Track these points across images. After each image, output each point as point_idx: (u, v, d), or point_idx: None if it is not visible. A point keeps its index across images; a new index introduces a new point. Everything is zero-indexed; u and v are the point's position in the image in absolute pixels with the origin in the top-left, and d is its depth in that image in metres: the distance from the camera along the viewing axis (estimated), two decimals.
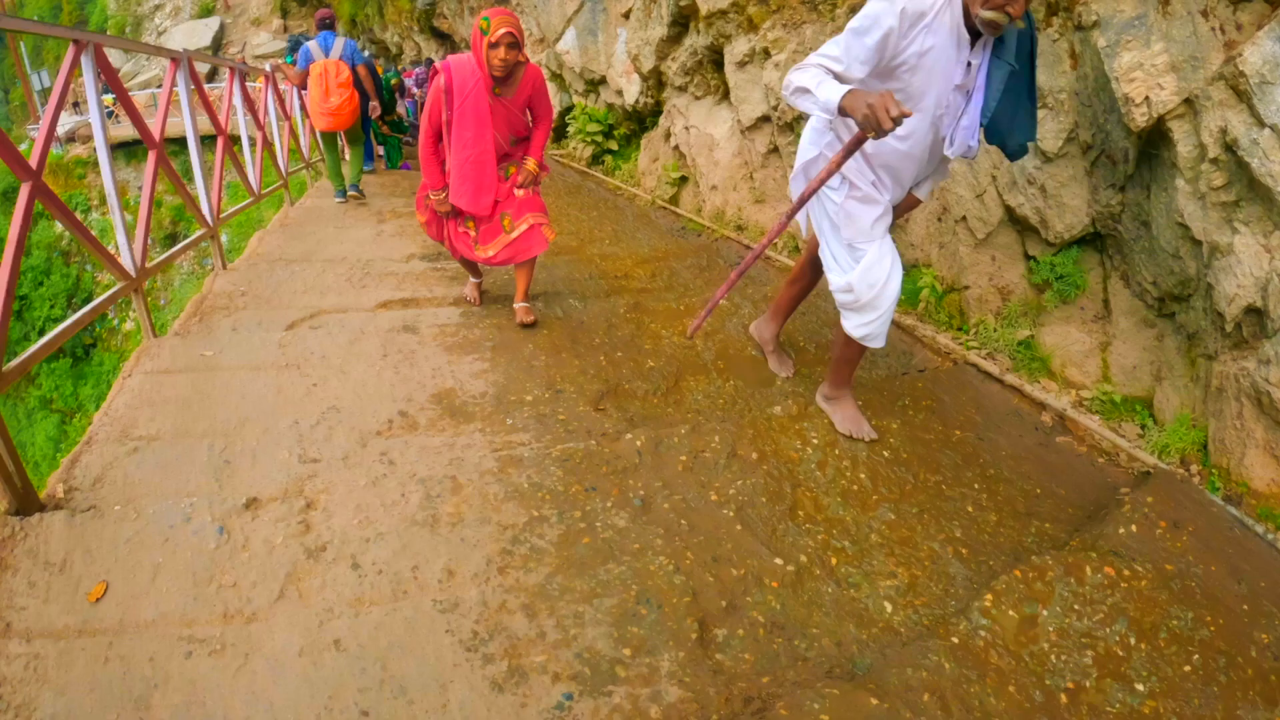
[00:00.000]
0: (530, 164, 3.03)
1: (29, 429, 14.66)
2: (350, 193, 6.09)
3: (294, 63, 6.11)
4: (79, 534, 1.71)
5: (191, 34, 21.44)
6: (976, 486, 2.19)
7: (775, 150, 4.31)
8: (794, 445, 2.21)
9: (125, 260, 2.84)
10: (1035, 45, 1.92)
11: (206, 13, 22.85)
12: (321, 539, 1.73)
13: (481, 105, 2.82)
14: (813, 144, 2.16)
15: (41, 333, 15.24)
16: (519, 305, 3.16)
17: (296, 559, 1.68)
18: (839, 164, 1.82)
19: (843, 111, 1.70)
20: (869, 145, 1.94)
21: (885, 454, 2.24)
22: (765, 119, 4.30)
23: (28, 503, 1.79)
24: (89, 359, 15.27)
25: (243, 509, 1.78)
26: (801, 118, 3.86)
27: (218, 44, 21.50)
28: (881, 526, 1.99)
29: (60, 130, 18.62)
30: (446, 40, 11.93)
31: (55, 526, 1.73)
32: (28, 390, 15.09)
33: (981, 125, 1.93)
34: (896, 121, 1.59)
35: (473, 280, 3.42)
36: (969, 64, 1.88)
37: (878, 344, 2.17)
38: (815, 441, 2.23)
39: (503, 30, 2.68)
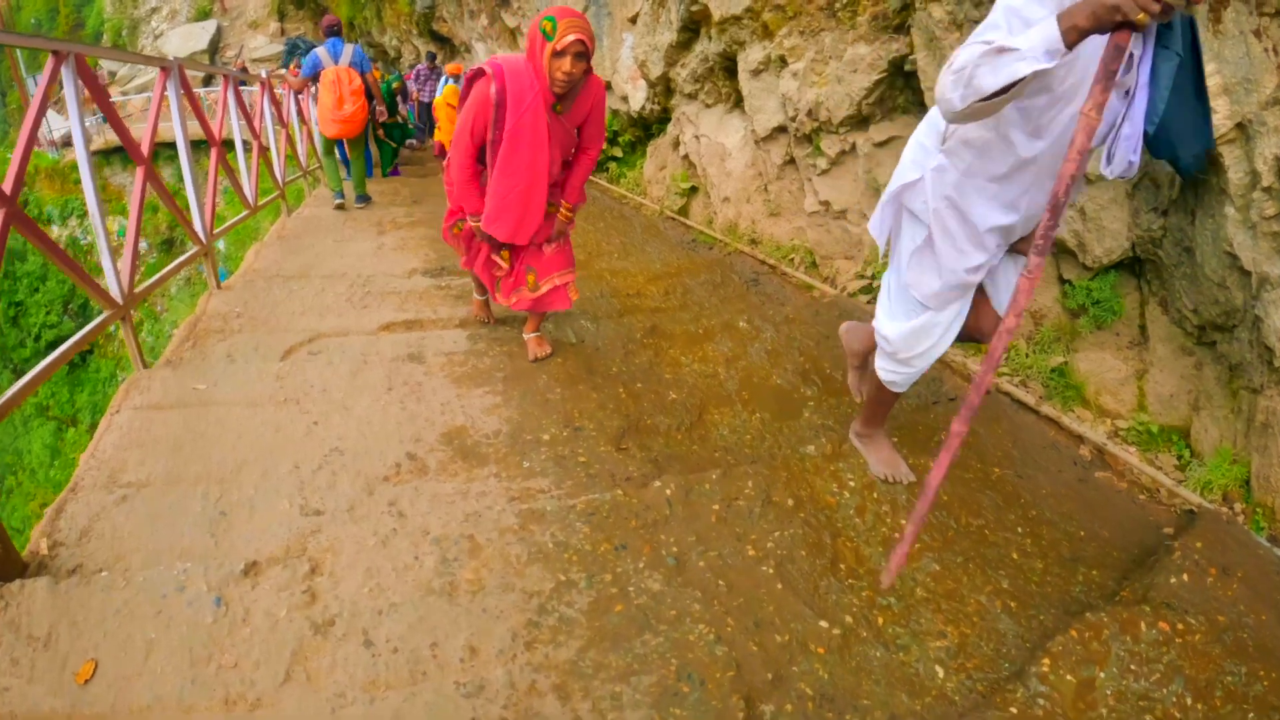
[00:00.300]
0: (564, 211, 2.68)
1: (25, 437, 14.49)
2: (358, 205, 6.08)
3: (293, 66, 6.03)
4: (64, 604, 1.57)
5: (188, 37, 21.24)
6: (1020, 530, 2.08)
7: (791, 162, 4.18)
8: (830, 489, 2.08)
9: (111, 285, 2.67)
10: (1197, 31, 1.52)
11: (203, 16, 22.64)
12: (329, 611, 1.59)
13: (539, 125, 2.36)
14: (915, 165, 1.79)
15: (38, 339, 15.14)
16: (530, 336, 2.97)
17: (303, 634, 1.53)
18: (1097, 112, 1.36)
19: (1071, 39, 1.33)
20: (999, 166, 1.63)
21: None
22: (781, 129, 4.17)
23: (8, 567, 1.65)
24: (85, 365, 15.10)
25: (241, 575, 1.63)
26: (823, 129, 3.73)
27: (214, 47, 21.29)
28: (926, 579, 1.87)
29: (57, 134, 18.48)
30: (446, 44, 11.79)
31: (38, 595, 1.58)
32: (24, 397, 14.90)
33: (1147, 133, 1.54)
34: None
35: (477, 297, 3.27)
36: (1129, 55, 1.49)
37: (899, 389, 2.05)
38: (852, 484, 2.10)
39: (572, 37, 2.18)
